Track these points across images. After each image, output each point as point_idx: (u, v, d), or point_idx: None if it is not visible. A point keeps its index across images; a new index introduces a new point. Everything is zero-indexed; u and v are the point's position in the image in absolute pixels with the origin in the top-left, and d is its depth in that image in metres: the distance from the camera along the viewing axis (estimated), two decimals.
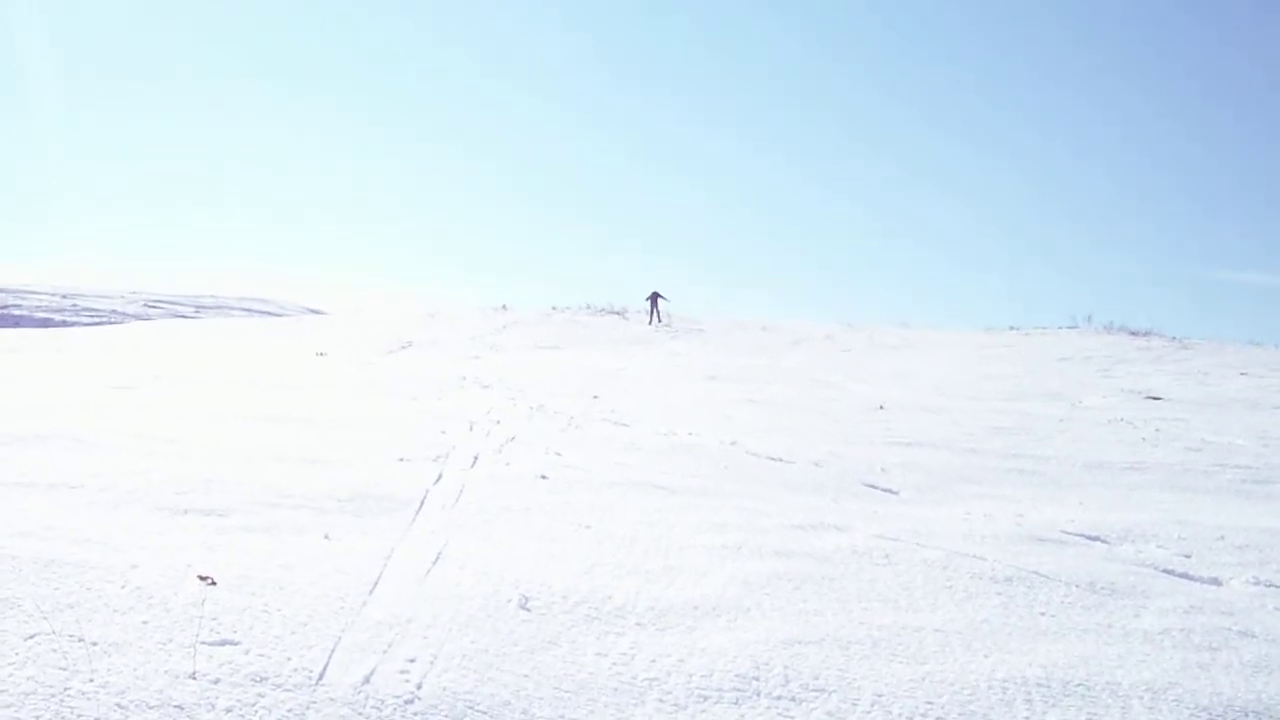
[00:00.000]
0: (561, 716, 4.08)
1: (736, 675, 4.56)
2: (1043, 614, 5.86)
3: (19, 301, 62.15)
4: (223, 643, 4.33)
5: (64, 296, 66.54)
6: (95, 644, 4.18)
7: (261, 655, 4.24)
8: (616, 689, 4.34)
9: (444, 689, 4.14)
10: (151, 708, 3.73)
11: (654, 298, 40.79)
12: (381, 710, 3.93)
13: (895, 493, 9.62)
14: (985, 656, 5.05)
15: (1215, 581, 7.00)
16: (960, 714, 4.40)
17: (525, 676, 4.35)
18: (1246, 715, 4.67)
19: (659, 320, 40.18)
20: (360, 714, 3.89)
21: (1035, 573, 6.61)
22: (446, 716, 3.96)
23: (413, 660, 4.37)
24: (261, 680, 4.02)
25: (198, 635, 4.36)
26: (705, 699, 4.33)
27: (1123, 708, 4.60)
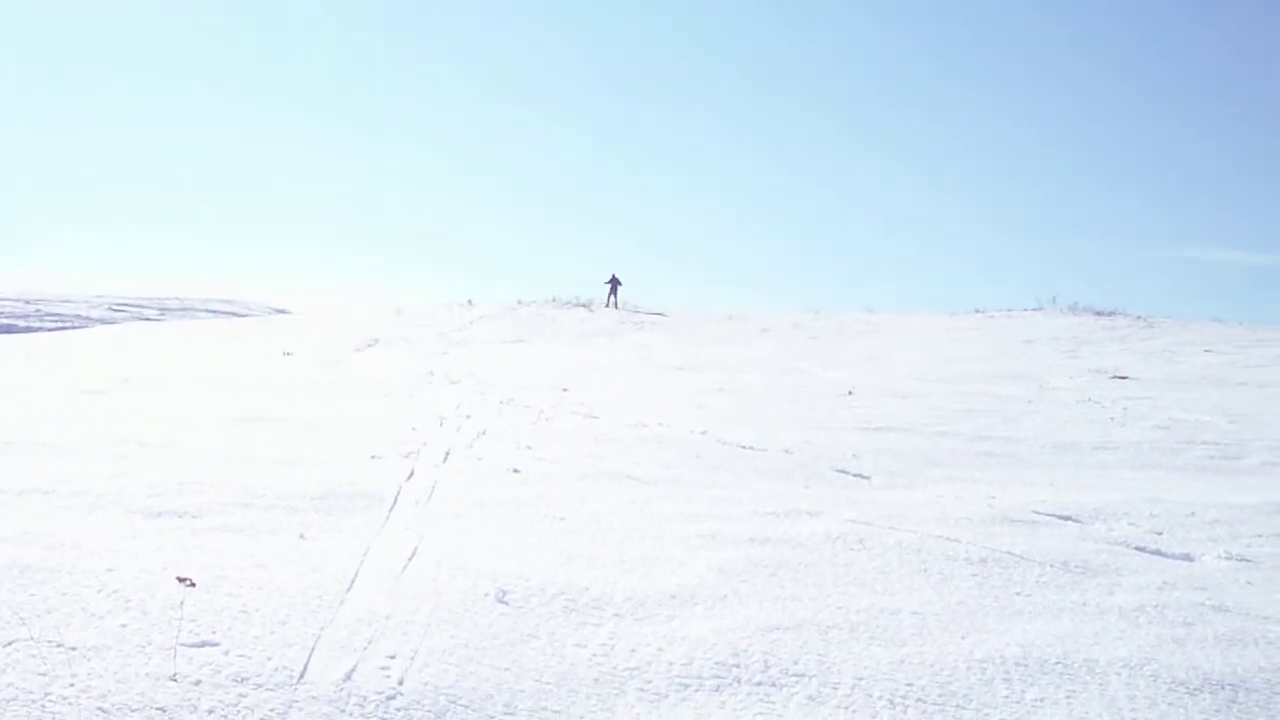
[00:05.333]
0: (543, 708, 4.08)
1: (716, 662, 4.58)
2: (1018, 594, 5.90)
3: None
4: (202, 644, 4.32)
5: (27, 302, 65.89)
6: (74, 649, 4.17)
7: (242, 655, 4.24)
8: (597, 679, 4.35)
9: (425, 684, 4.14)
10: (134, 711, 3.72)
11: (613, 282, 41.50)
12: (364, 707, 3.92)
13: (867, 478, 9.64)
14: (963, 637, 5.08)
15: (1187, 557, 7.05)
16: (940, 695, 4.43)
17: (506, 670, 4.36)
18: (1223, 688, 4.71)
19: (616, 306, 40.78)
20: (343, 711, 3.89)
21: (1009, 553, 6.65)
22: (429, 711, 3.96)
23: (393, 656, 4.37)
24: (242, 680, 4.02)
25: (177, 637, 4.35)
26: (686, 687, 4.35)
27: (1101, 684, 4.63)
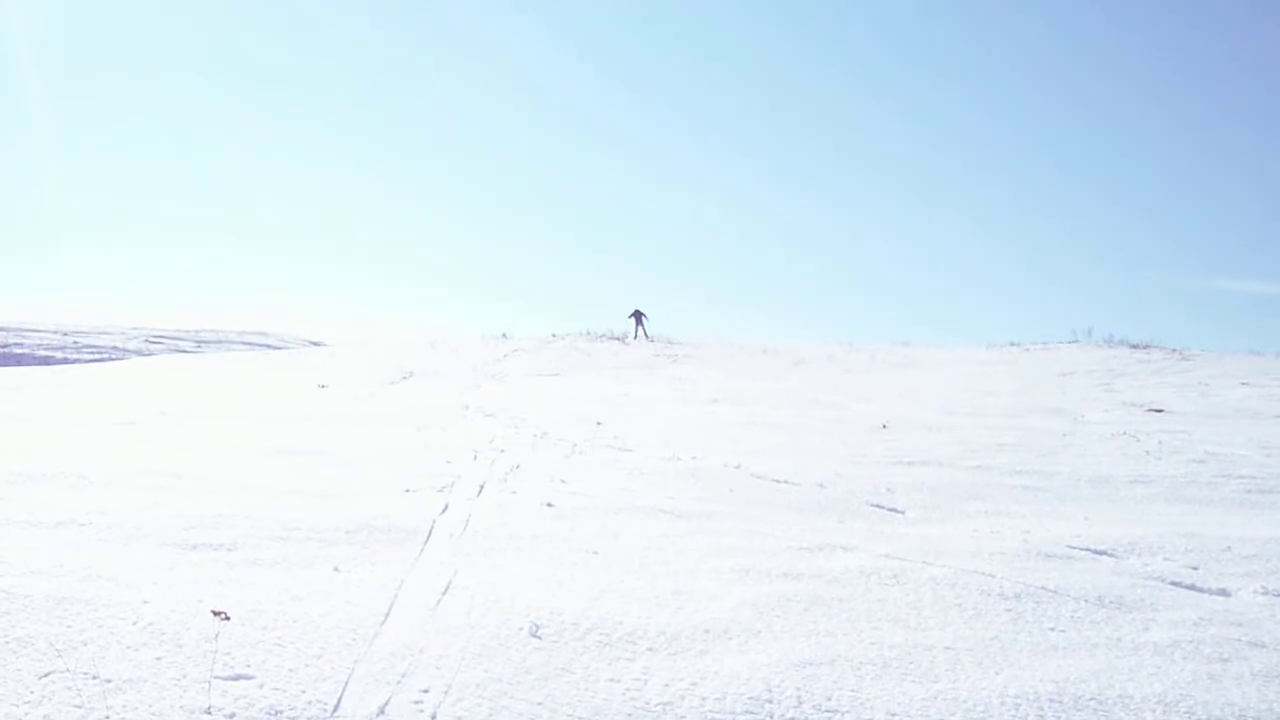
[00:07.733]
0: None
1: (750, 698, 4.57)
2: (1052, 629, 5.87)
3: (20, 340, 62.23)
4: (237, 677, 4.34)
5: (65, 334, 66.62)
6: (110, 681, 4.20)
7: (276, 689, 4.26)
8: (630, 714, 4.35)
9: (459, 718, 4.15)
10: None
11: (638, 315, 41.87)
12: None
13: (901, 512, 9.62)
14: (997, 673, 5.06)
15: (1224, 592, 7.00)
16: None
17: (539, 704, 4.36)
18: None
19: (645, 337, 41.11)
20: None
21: (1044, 588, 6.62)
22: None
23: (426, 690, 4.38)
24: (277, 714, 4.03)
25: (212, 670, 4.37)
26: None
27: None
